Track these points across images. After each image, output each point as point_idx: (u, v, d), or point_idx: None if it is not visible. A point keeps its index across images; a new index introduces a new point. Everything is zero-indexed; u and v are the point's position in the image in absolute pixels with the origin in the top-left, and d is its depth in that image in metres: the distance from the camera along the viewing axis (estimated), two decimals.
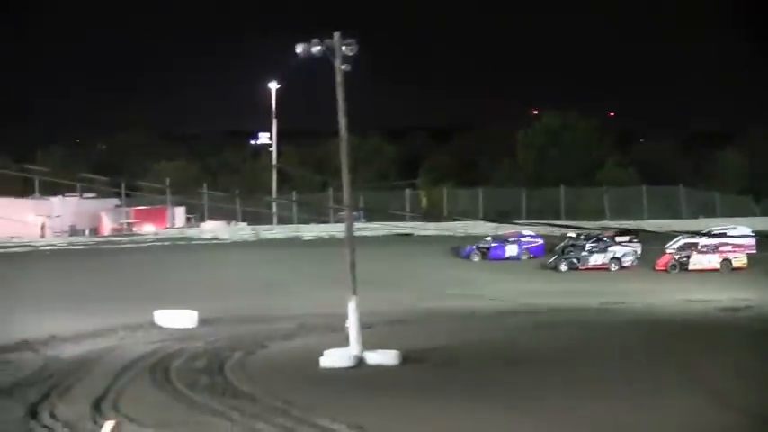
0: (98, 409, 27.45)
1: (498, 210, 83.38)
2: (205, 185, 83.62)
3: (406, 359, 34.94)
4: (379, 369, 34.22)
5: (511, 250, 66.20)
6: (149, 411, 26.86)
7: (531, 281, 58.33)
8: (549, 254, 63.48)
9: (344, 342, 35.82)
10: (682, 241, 63.04)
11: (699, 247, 61.32)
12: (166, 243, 69.92)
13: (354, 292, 36.63)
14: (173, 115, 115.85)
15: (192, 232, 77.16)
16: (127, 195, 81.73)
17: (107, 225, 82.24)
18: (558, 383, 30.44)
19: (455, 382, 31.14)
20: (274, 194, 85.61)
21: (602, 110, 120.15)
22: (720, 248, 61.34)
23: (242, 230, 78.05)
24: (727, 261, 61.20)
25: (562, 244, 63.50)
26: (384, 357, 35.00)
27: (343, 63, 36.17)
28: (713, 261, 61.27)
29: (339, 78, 36.25)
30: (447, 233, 69.51)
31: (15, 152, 78.26)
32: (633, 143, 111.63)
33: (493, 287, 56.06)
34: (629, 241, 63.47)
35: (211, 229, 78.43)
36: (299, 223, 79.98)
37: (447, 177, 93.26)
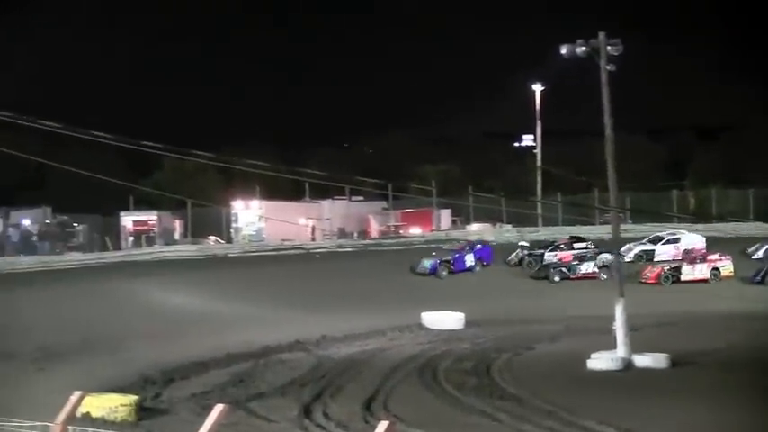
0: (369, 409, 28.00)
1: None
2: (470, 188, 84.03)
3: (675, 362, 34.19)
4: (648, 372, 33.60)
5: (469, 260, 62.12)
6: (418, 412, 27.18)
7: None
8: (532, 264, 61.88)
9: (611, 344, 35.36)
10: (637, 249, 62.23)
11: (689, 258, 59.42)
12: (432, 245, 70.69)
13: (621, 295, 36.15)
14: (432, 118, 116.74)
15: (457, 234, 77.74)
16: (393, 198, 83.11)
17: (374, 228, 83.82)
18: None
19: (729, 387, 30.08)
20: (539, 196, 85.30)
21: None
22: (709, 258, 58.70)
23: (507, 232, 78.13)
24: (715, 270, 58.17)
25: (516, 253, 62.43)
26: (653, 360, 34.35)
27: (608, 63, 35.76)
28: (704, 271, 58.05)
29: (604, 78, 35.82)
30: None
31: (285, 156, 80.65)
32: None
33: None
34: (586, 248, 61.45)
35: (477, 230, 78.82)
36: (563, 225, 79.45)
37: (716, 178, 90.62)
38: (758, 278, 56.60)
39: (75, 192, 77.32)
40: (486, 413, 27.12)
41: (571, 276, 59.04)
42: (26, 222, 74.22)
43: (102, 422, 24.48)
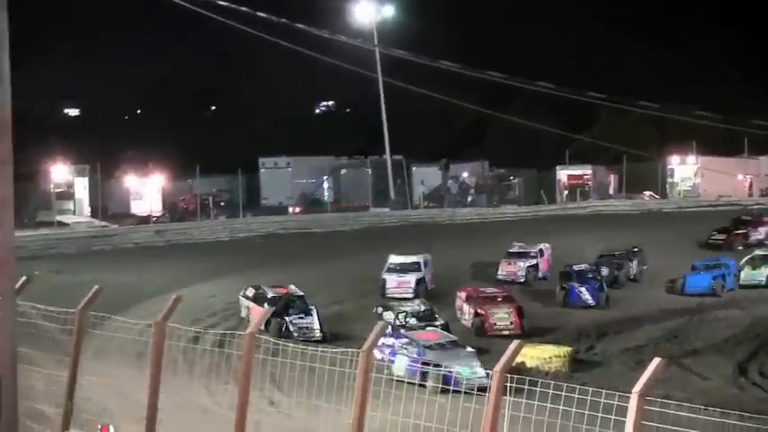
0: None
1: None
2: None
3: None
4: None
5: None
6: None
7: None
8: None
9: None
10: None
11: None
12: None
13: None
14: None
15: None
16: None
17: None
18: None
19: None
20: None
21: None
22: None
23: None
24: None
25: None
26: None
27: None
28: None
29: None
30: None
31: (729, 108, 78.07)
32: None
33: None
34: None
35: None
36: None
37: None
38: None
39: (512, 146, 78.99)
40: None
41: None
42: (465, 175, 76.68)
43: (536, 372, 25.08)
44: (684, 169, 77.14)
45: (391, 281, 39.56)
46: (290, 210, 70.40)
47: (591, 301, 37.90)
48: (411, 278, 39.63)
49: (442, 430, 11.72)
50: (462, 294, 36.70)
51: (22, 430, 11.38)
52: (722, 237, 51.73)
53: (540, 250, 45.23)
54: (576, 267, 40.56)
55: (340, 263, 45.10)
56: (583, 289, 38.41)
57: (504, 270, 43.34)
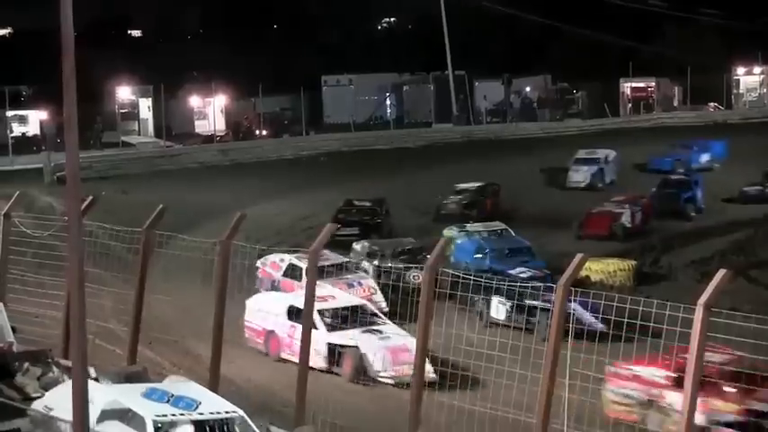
0: None
1: None
2: None
3: None
4: None
5: None
6: None
7: None
8: None
9: None
10: None
11: None
12: None
13: None
14: None
15: None
16: None
17: None
18: None
19: None
20: None
21: None
22: None
23: None
24: None
25: None
26: None
27: None
28: None
29: None
30: None
31: None
32: None
33: None
34: None
35: None
36: None
37: None
38: None
39: (575, 59, 78.10)
40: None
41: None
42: (527, 89, 76.07)
43: (599, 286, 25.05)
44: (750, 80, 76.15)
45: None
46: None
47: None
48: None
49: None
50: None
51: (92, 348, 11.59)
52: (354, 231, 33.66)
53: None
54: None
55: (403, 179, 45.12)
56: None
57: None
